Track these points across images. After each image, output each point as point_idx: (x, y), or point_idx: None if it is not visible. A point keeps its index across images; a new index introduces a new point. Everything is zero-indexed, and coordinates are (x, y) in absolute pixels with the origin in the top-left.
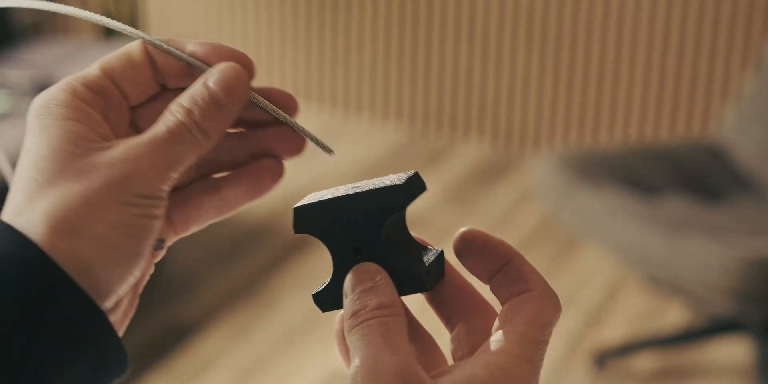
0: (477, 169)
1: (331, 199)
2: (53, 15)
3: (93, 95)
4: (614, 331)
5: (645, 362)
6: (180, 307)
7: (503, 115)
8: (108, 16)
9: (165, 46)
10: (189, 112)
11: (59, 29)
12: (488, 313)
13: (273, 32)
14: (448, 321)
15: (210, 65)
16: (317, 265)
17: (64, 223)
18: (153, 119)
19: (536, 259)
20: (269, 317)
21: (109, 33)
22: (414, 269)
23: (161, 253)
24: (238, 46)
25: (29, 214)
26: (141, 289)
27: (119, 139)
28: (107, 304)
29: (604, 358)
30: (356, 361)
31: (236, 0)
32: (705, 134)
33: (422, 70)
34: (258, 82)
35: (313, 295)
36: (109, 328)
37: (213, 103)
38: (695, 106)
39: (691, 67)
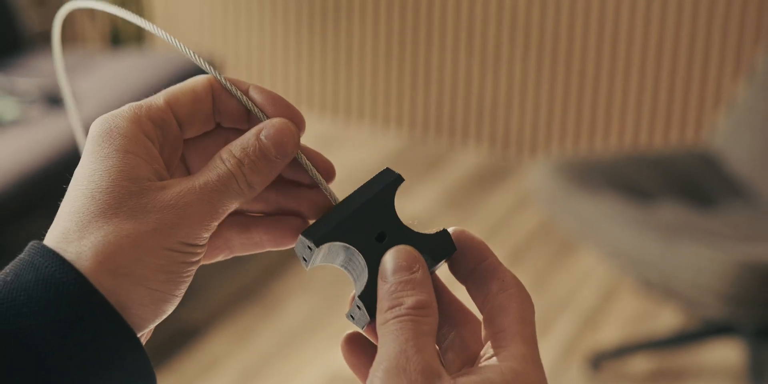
0: (475, 175)
1: (328, 213)
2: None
3: (154, 128)
4: (609, 334)
5: (639, 364)
6: (186, 310)
7: (501, 122)
8: (113, 26)
9: (230, 86)
10: (239, 163)
11: (67, 38)
12: (476, 323)
13: (276, 41)
14: (439, 333)
15: (266, 114)
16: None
17: (111, 262)
18: (202, 155)
19: (533, 263)
20: (273, 319)
21: (115, 43)
22: (439, 236)
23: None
24: (242, 55)
25: (79, 245)
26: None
27: (172, 180)
28: (144, 329)
29: (600, 360)
30: (382, 355)
31: (241, 9)
32: (698, 141)
33: (422, 78)
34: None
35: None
36: (139, 349)
37: (263, 157)
38: (688, 114)
39: (684, 75)
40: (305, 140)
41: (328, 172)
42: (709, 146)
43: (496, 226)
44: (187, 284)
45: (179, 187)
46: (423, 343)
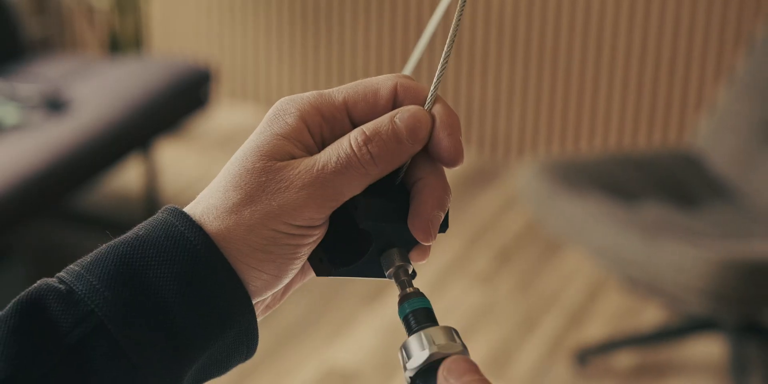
0: (464, 176)
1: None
2: (61, 31)
3: (322, 122)
4: (595, 330)
5: (624, 359)
6: None
7: (489, 125)
8: (113, 31)
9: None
10: (366, 141)
11: (67, 45)
12: None
13: (270, 48)
14: None
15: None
16: None
17: (225, 236)
18: None
19: (521, 262)
20: (269, 317)
21: (114, 49)
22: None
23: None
24: (237, 60)
25: (204, 213)
26: (290, 291)
27: (299, 159)
28: (258, 298)
29: (586, 356)
30: None
31: (236, 16)
32: (680, 143)
33: None
34: (256, 92)
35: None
36: (251, 312)
37: (394, 137)
38: (671, 116)
39: (667, 79)
40: None
41: (452, 157)
42: (692, 147)
43: (484, 225)
44: (295, 266)
45: (299, 168)
46: None
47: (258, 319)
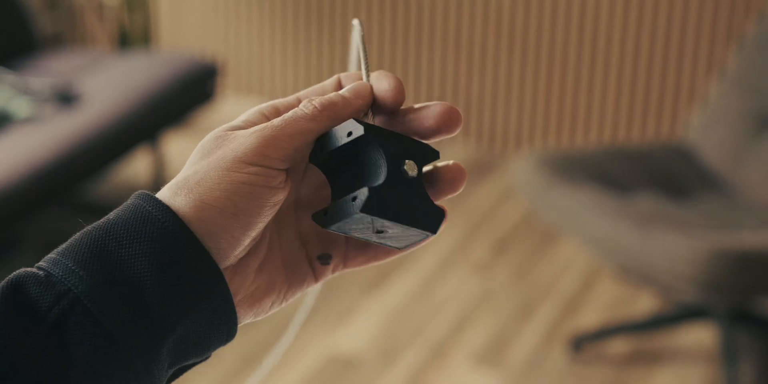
0: None
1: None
2: (72, 26)
3: (277, 114)
4: (590, 318)
5: (618, 346)
6: None
7: (487, 118)
8: (122, 27)
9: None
10: (313, 101)
11: (78, 40)
12: None
13: (275, 43)
14: None
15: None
16: None
17: (190, 195)
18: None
19: (517, 252)
20: None
21: (123, 44)
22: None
23: (327, 270)
24: (243, 55)
25: (170, 190)
26: (290, 297)
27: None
28: (227, 263)
29: (581, 343)
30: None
31: (242, 13)
32: (673, 136)
33: (412, 77)
34: (260, 86)
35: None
36: (222, 283)
37: (338, 96)
38: (664, 110)
39: (660, 74)
40: None
41: (396, 94)
42: (684, 140)
43: (482, 216)
44: (262, 209)
45: (252, 127)
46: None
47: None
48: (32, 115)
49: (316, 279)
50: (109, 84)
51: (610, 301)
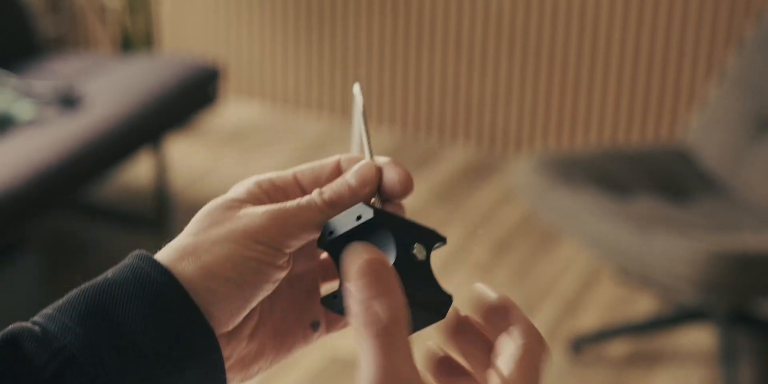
0: (463, 171)
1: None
2: (75, 29)
3: (275, 191)
4: (589, 319)
5: (618, 347)
6: None
7: (487, 120)
8: (124, 30)
9: (363, 124)
10: (322, 192)
11: (81, 43)
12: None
13: (276, 46)
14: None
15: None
16: None
17: (186, 252)
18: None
19: (518, 253)
20: None
21: (126, 47)
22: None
23: (316, 336)
24: (244, 58)
25: (170, 253)
26: (276, 363)
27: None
28: (223, 330)
29: (580, 344)
30: (371, 370)
31: (242, 16)
32: (673, 138)
33: (413, 79)
34: (262, 89)
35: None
36: (215, 347)
37: (345, 185)
38: (664, 112)
39: (660, 76)
40: (305, 141)
41: (404, 188)
42: (683, 142)
43: (482, 218)
44: (262, 287)
45: (264, 205)
46: (406, 354)
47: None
48: (35, 118)
49: (304, 346)
50: (111, 87)
51: (609, 302)
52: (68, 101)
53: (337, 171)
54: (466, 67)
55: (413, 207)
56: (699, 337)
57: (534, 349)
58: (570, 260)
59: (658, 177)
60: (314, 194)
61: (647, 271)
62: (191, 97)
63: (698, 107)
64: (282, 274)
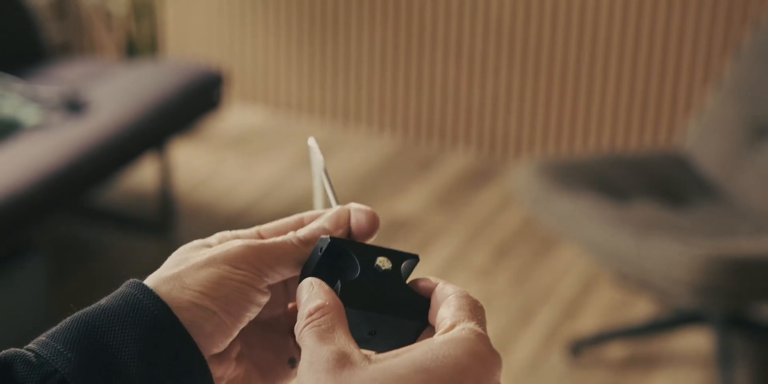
0: (464, 176)
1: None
2: (81, 35)
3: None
4: (588, 322)
5: (616, 350)
6: None
7: (488, 126)
8: (129, 36)
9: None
10: (295, 234)
11: (86, 49)
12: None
13: (279, 52)
14: None
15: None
16: None
17: (170, 278)
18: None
19: (517, 257)
20: None
21: (131, 53)
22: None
23: (292, 375)
24: (248, 64)
25: (159, 281)
26: None
27: None
28: (212, 352)
29: (579, 347)
30: (302, 357)
31: (247, 21)
32: (670, 144)
33: (414, 85)
34: (265, 94)
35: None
36: (207, 374)
37: (319, 230)
38: (662, 119)
39: (658, 83)
40: (307, 145)
41: (371, 226)
42: (681, 148)
43: (482, 223)
44: (244, 312)
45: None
46: (328, 338)
47: None
48: (41, 123)
49: (289, 379)
50: (116, 92)
51: (608, 306)
52: (74, 106)
53: (300, 226)
54: (466, 73)
55: (413, 212)
56: (696, 341)
57: (465, 293)
58: (569, 264)
59: (656, 182)
60: (290, 234)
61: (645, 275)
62: (195, 102)
63: (696, 114)
64: (264, 299)
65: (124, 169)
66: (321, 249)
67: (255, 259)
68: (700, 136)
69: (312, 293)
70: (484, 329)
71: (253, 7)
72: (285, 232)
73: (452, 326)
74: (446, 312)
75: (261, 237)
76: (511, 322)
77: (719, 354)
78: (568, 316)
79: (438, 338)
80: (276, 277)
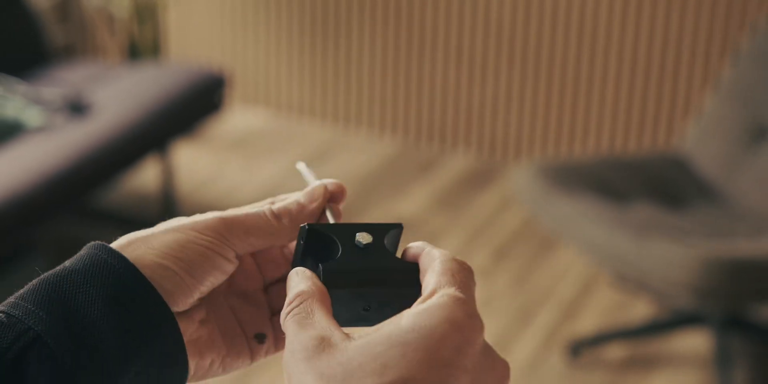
0: (464, 178)
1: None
2: (84, 38)
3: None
4: (587, 323)
5: (615, 351)
6: None
7: (487, 128)
8: (132, 39)
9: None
10: (270, 203)
11: (89, 51)
12: None
13: (281, 55)
14: None
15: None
16: None
17: (136, 239)
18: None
19: (517, 258)
20: None
21: (133, 56)
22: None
23: (261, 351)
24: (249, 66)
25: (123, 242)
26: (228, 366)
27: None
28: (175, 309)
29: (578, 348)
30: (285, 346)
31: (248, 25)
32: (669, 146)
33: (414, 88)
34: (267, 96)
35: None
36: (174, 326)
37: (295, 203)
38: (660, 121)
39: (657, 86)
40: (309, 148)
41: (338, 187)
42: (680, 150)
43: (482, 224)
44: (210, 278)
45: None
46: (308, 323)
47: None
48: (44, 125)
49: (252, 358)
50: (119, 94)
51: (607, 307)
52: (77, 108)
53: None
54: (466, 76)
55: (414, 213)
56: (694, 341)
57: (450, 257)
58: (569, 266)
59: (654, 184)
60: (264, 207)
61: (644, 276)
62: (197, 104)
63: (694, 116)
64: (230, 267)
65: (126, 170)
66: (302, 238)
67: (224, 229)
68: (699, 138)
69: (294, 282)
70: (469, 293)
71: (255, 11)
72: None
73: (432, 293)
74: (430, 278)
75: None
76: (511, 323)
77: (718, 355)
78: (567, 316)
79: (414, 308)
80: (246, 248)
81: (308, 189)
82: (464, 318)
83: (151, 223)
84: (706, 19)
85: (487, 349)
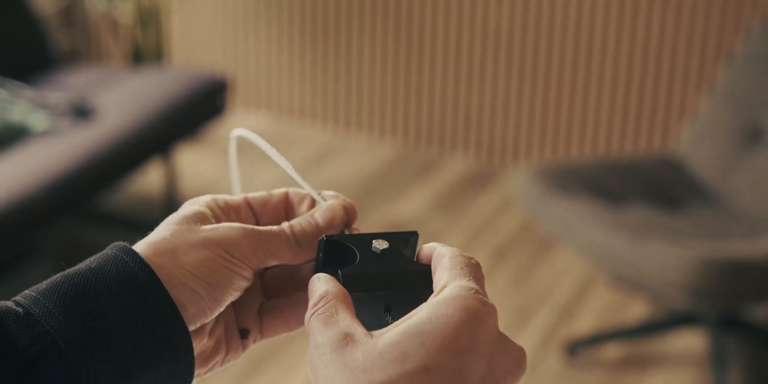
0: (463, 180)
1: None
2: (88, 43)
3: (220, 212)
4: (584, 323)
5: (611, 351)
6: None
7: (486, 131)
8: (136, 44)
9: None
10: (291, 228)
11: (93, 56)
12: None
13: (282, 60)
14: None
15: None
16: None
17: (165, 250)
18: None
19: (515, 260)
20: None
21: (137, 60)
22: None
23: (249, 342)
24: (251, 70)
25: (150, 248)
26: (226, 361)
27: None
28: (191, 328)
29: (576, 348)
30: (309, 343)
31: (250, 29)
32: (665, 149)
33: (414, 92)
34: (268, 100)
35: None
36: (188, 344)
37: (311, 225)
38: (656, 124)
39: (653, 89)
40: (310, 151)
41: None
42: (675, 153)
43: (481, 226)
44: (228, 295)
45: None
46: (331, 323)
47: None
48: (49, 129)
49: (243, 348)
50: (123, 99)
51: (603, 307)
52: (81, 112)
53: (285, 200)
54: (465, 80)
55: (413, 216)
56: (690, 342)
57: (458, 253)
58: (566, 267)
59: (650, 186)
60: (284, 225)
61: (640, 277)
62: (200, 108)
63: (689, 119)
64: (246, 285)
65: (130, 174)
66: (321, 249)
67: (249, 250)
68: (694, 140)
69: (317, 285)
70: (480, 284)
71: (257, 16)
72: (270, 204)
73: (445, 287)
74: (441, 274)
75: (249, 204)
76: (510, 323)
77: (713, 355)
78: (564, 317)
79: (431, 300)
80: (262, 266)
81: (326, 211)
82: (478, 305)
83: (154, 226)
84: (700, 22)
85: (502, 335)
